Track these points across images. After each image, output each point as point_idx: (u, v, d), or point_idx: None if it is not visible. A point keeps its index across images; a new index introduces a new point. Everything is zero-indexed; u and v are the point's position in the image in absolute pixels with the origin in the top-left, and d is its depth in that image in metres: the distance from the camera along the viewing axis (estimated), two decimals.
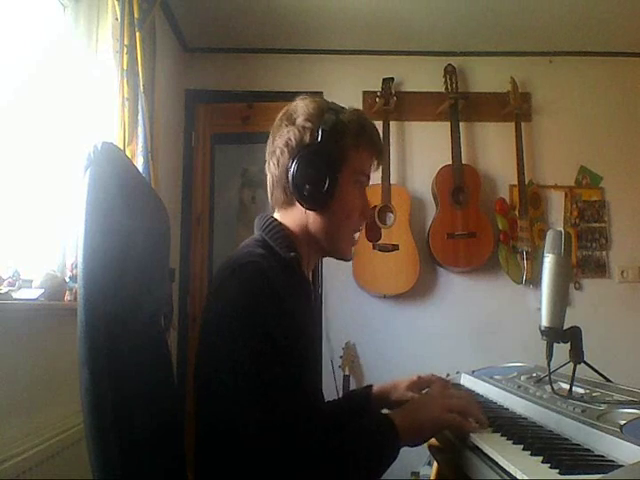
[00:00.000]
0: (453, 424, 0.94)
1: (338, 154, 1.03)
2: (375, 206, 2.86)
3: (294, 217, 1.06)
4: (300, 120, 1.03)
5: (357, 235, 1.13)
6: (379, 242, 2.88)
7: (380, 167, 1.14)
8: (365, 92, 3.15)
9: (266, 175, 1.09)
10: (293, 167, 1.01)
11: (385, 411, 1.13)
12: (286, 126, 1.04)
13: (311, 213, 1.04)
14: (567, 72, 3.21)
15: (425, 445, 1.21)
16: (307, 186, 1.00)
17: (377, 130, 1.12)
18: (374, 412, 1.21)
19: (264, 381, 0.85)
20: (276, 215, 1.09)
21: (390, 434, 0.90)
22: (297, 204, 1.04)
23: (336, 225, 1.06)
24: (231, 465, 0.86)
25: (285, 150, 1.03)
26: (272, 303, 0.90)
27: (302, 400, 0.90)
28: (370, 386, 1.27)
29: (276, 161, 1.05)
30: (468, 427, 0.93)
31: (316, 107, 1.05)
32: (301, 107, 1.05)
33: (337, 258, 1.12)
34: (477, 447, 0.87)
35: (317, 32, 3.01)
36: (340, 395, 2.71)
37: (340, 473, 0.86)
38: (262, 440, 0.83)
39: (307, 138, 1.02)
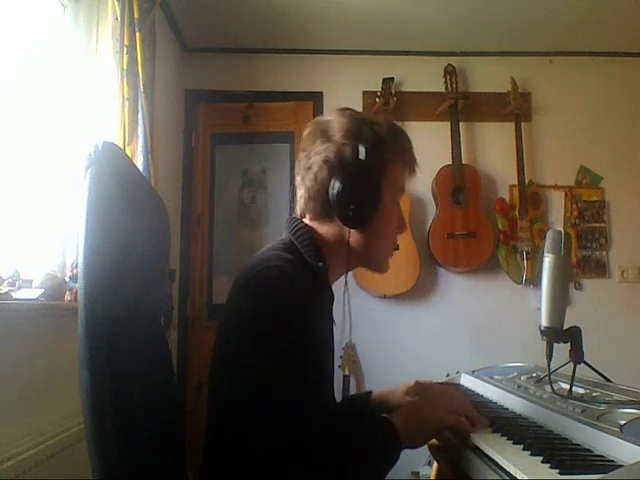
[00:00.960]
0: (454, 425, 0.94)
1: (379, 170, 1.02)
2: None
3: (330, 230, 1.05)
4: (338, 137, 1.02)
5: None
6: None
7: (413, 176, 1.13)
8: (365, 92, 3.15)
9: (295, 187, 1.09)
10: (336, 185, 0.99)
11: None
12: (322, 142, 1.03)
13: (352, 230, 1.03)
14: (567, 72, 3.21)
15: (425, 445, 1.21)
16: (352, 206, 0.99)
17: (410, 141, 1.11)
18: (375, 415, 1.21)
19: (276, 385, 0.85)
20: (306, 221, 1.08)
21: (391, 437, 0.90)
22: (336, 219, 1.03)
23: (376, 241, 1.06)
24: (237, 468, 0.86)
25: (324, 166, 1.01)
26: (294, 307, 0.90)
27: (315, 406, 0.90)
28: (370, 392, 1.27)
29: (313, 176, 1.03)
30: (469, 428, 0.93)
31: (352, 122, 1.04)
32: (337, 123, 1.04)
33: (373, 270, 1.12)
34: (477, 447, 0.87)
35: (317, 32, 3.01)
36: (340, 395, 2.71)
37: (342, 476, 0.86)
38: (269, 443, 0.83)
39: (347, 155, 1.01)
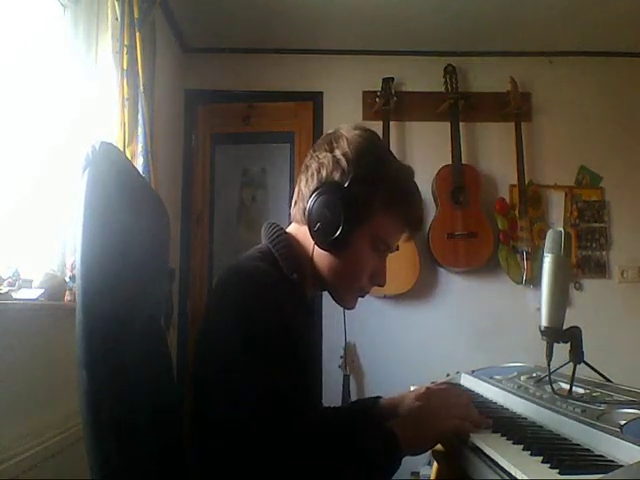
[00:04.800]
0: (456, 430, 0.93)
1: (362, 209, 0.95)
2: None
3: (305, 237, 1.02)
4: (338, 152, 0.98)
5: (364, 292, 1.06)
6: None
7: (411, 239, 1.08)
8: (365, 92, 3.15)
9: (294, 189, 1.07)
10: (313, 198, 0.97)
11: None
12: (325, 150, 1.00)
13: (318, 248, 0.99)
14: (567, 72, 3.21)
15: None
16: (319, 224, 0.96)
17: (420, 202, 1.05)
18: (378, 422, 1.19)
19: (263, 388, 0.85)
20: (290, 228, 1.07)
21: (392, 446, 0.88)
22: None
23: (340, 275, 1.01)
24: (222, 463, 0.86)
25: (315, 175, 0.99)
26: (273, 309, 0.89)
27: (298, 403, 0.90)
28: (378, 397, 1.24)
29: (305, 180, 1.02)
30: (470, 430, 0.92)
31: (358, 146, 0.98)
32: (345, 138, 1.00)
33: (335, 300, 1.08)
34: (477, 447, 0.87)
35: (317, 32, 3.01)
36: (340, 395, 2.71)
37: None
38: (255, 439, 0.82)
39: (337, 176, 0.96)
